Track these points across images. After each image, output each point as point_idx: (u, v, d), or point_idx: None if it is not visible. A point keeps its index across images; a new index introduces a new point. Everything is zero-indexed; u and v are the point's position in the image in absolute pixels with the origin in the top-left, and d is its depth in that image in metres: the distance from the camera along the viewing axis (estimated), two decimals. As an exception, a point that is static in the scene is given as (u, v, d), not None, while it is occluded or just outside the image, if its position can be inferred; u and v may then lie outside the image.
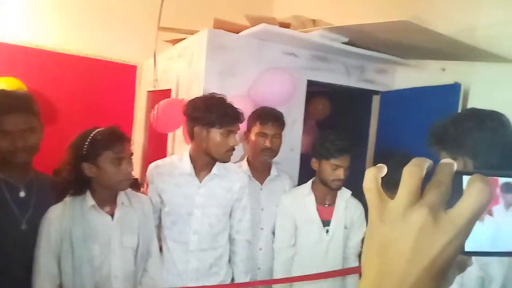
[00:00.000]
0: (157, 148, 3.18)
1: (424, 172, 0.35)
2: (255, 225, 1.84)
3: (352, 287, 1.89)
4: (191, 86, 2.32)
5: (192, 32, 2.56)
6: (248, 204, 1.72)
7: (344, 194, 1.85)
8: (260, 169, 1.94)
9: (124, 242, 1.48)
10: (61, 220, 1.40)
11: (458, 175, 0.35)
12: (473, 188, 0.32)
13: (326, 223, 1.83)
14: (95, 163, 1.39)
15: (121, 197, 1.52)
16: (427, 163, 0.35)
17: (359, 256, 1.86)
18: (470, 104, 2.04)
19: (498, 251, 0.36)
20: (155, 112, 2.33)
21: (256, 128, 1.86)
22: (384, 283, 0.34)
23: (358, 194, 1.98)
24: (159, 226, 1.70)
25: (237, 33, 2.19)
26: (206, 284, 1.61)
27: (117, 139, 1.42)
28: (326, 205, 1.86)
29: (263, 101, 2.01)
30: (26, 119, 1.38)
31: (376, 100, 2.81)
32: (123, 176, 1.43)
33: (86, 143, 1.39)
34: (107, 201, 1.49)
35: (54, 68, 3.48)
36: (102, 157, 1.39)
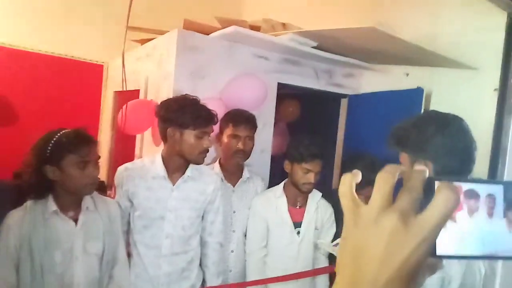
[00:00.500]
0: (124, 150, 3.10)
1: (396, 178, 0.36)
2: (227, 228, 1.83)
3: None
4: (161, 87, 2.28)
5: (161, 32, 2.52)
6: (220, 206, 1.71)
7: (315, 196, 1.88)
8: (232, 171, 1.93)
9: (88, 248, 1.43)
10: (20, 226, 1.33)
11: (430, 181, 0.36)
12: (441, 194, 0.34)
13: (297, 224, 1.85)
14: (59, 166, 1.34)
15: (86, 201, 1.46)
16: (399, 169, 0.37)
17: (329, 257, 1.89)
18: (432, 108, 2.14)
19: (464, 255, 0.38)
20: (123, 113, 2.27)
21: (228, 130, 1.85)
22: (357, 285, 0.34)
23: (326, 195, 2.02)
24: (128, 231, 1.66)
25: (207, 34, 2.18)
26: None
27: (83, 141, 1.37)
28: (297, 207, 1.88)
29: (235, 105, 2.01)
30: None
31: (344, 103, 2.88)
32: (88, 180, 1.39)
33: (50, 145, 1.33)
34: (71, 206, 1.43)
35: (14, 66, 3.31)
36: (67, 160, 1.34)
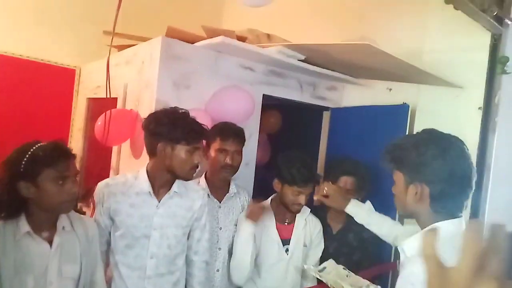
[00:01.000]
0: (97, 160, 2.93)
1: (483, 237, 0.33)
2: (213, 245, 1.75)
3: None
4: (142, 96, 2.18)
5: (142, 39, 2.42)
6: (207, 223, 1.63)
7: (304, 212, 1.84)
8: (219, 186, 1.85)
9: (63, 271, 1.31)
10: None
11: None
12: None
13: (285, 242, 1.80)
14: (34, 182, 1.21)
15: (62, 221, 1.34)
16: (483, 226, 0.34)
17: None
18: (417, 124, 2.16)
19: None
20: (100, 123, 2.14)
21: (216, 144, 1.78)
22: None
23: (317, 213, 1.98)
24: (107, 252, 1.54)
25: (191, 43, 2.11)
26: None
27: (61, 155, 1.26)
28: (285, 223, 1.83)
29: (221, 118, 1.94)
30: None
31: (326, 116, 2.88)
32: (66, 196, 1.27)
33: (25, 159, 1.21)
34: (45, 226, 1.30)
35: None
36: (43, 175, 1.22)
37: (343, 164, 2.11)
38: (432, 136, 1.12)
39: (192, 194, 1.59)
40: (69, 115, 3.59)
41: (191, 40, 2.12)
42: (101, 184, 1.53)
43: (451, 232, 1.08)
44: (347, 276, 1.47)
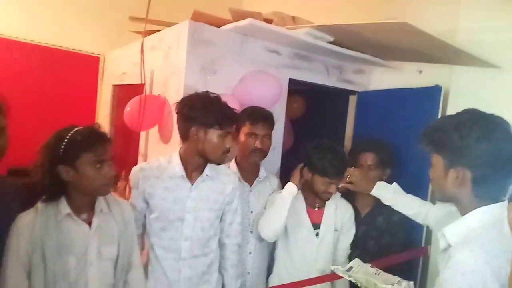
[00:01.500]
0: (124, 146, 2.98)
1: None
2: (244, 228, 1.76)
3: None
4: (168, 81, 2.18)
5: (167, 24, 2.41)
6: (238, 206, 1.64)
7: (335, 196, 1.82)
8: (249, 170, 1.86)
9: (102, 253, 1.35)
10: (31, 229, 1.24)
11: None
12: None
13: (316, 226, 1.79)
14: (73, 166, 1.24)
15: (100, 203, 1.37)
16: None
17: (349, 259, 1.84)
18: (450, 108, 2.09)
19: None
20: (129, 108, 2.17)
21: (246, 128, 1.77)
22: None
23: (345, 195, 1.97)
24: (143, 234, 1.57)
25: (217, 27, 2.08)
26: None
27: (98, 139, 1.28)
28: (316, 208, 1.82)
29: (249, 102, 1.93)
30: None
31: (352, 100, 2.83)
32: (105, 180, 1.30)
33: (63, 143, 1.23)
34: (84, 208, 1.34)
35: (7, 56, 3.15)
36: (81, 159, 1.24)
37: (364, 141, 2.13)
38: (475, 117, 1.06)
39: (223, 178, 1.60)
40: (95, 102, 3.64)
41: (216, 23, 2.09)
42: (135, 169, 1.55)
43: (496, 216, 1.05)
44: (376, 274, 1.43)
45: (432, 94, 2.13)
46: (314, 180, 1.73)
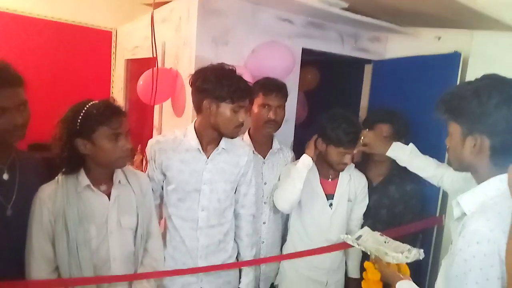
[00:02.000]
0: (139, 120, 3.02)
1: None
2: (258, 199, 1.79)
3: (354, 260, 1.91)
4: (180, 54, 2.17)
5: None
6: (253, 178, 1.66)
7: (348, 167, 1.81)
8: (262, 142, 1.86)
9: (122, 222, 1.40)
10: (53, 200, 1.29)
11: None
12: None
13: (329, 196, 1.80)
14: (90, 139, 1.27)
15: (118, 175, 1.41)
16: None
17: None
18: (470, 74, 2.03)
19: None
20: (141, 82, 2.17)
21: (259, 100, 1.76)
22: None
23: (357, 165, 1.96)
24: (161, 205, 1.62)
25: (227, -4, 2.04)
26: (215, 260, 1.57)
27: (114, 113, 1.30)
28: (329, 179, 1.82)
29: (262, 74, 1.91)
30: (19, 92, 1.24)
31: (368, 70, 2.76)
32: (121, 153, 1.32)
33: (80, 117, 1.26)
34: (103, 180, 1.38)
35: (19, 33, 3.16)
36: (98, 132, 1.27)
37: (378, 112, 2.09)
38: (494, 83, 1.02)
39: (238, 150, 1.61)
40: (109, 77, 3.66)
41: (227, -8, 2.05)
42: (151, 141, 1.57)
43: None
44: (385, 242, 1.41)
45: (450, 61, 2.06)
46: (329, 151, 1.72)
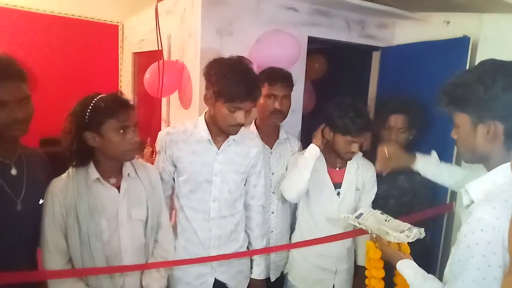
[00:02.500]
0: (147, 113, 3.04)
1: None
2: (266, 189, 1.80)
3: (363, 248, 1.91)
4: (186, 46, 2.17)
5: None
6: (262, 169, 1.66)
7: (356, 156, 1.81)
8: (269, 132, 1.87)
9: (132, 214, 1.42)
10: (65, 193, 1.32)
11: None
12: None
13: (337, 185, 1.80)
14: (99, 132, 1.29)
15: (127, 168, 1.43)
16: None
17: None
18: (479, 60, 1.98)
19: None
20: (148, 75, 2.19)
21: (264, 90, 1.75)
22: None
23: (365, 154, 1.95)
24: (172, 196, 1.63)
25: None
26: (228, 250, 1.59)
27: (121, 106, 1.31)
28: (337, 168, 1.82)
29: (266, 64, 1.90)
30: (21, 86, 1.24)
31: (376, 57, 2.73)
32: (129, 146, 1.34)
33: (88, 110, 1.27)
34: (112, 173, 1.40)
35: (26, 29, 3.20)
36: (106, 125, 1.29)
37: (392, 102, 2.02)
38: (495, 67, 1.00)
39: (248, 141, 1.61)
40: (117, 71, 3.69)
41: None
42: (161, 133, 1.58)
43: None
44: (386, 221, 1.40)
45: (460, 46, 2.02)
46: (336, 140, 1.71)
